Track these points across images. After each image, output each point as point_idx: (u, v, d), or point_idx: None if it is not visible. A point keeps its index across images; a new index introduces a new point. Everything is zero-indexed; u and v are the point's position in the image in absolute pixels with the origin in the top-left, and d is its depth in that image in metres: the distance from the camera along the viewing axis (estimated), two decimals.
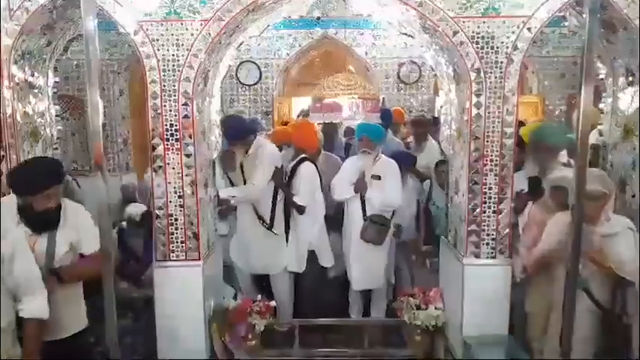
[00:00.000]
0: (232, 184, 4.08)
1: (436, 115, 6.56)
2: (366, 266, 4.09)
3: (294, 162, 4.18)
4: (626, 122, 3.41)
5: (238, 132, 3.92)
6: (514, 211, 3.29)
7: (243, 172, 3.96)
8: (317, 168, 4.21)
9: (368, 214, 4.03)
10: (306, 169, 4.11)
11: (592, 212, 2.67)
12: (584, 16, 2.60)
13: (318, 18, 6.87)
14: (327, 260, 4.25)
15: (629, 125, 3.38)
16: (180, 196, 3.24)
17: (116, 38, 6.26)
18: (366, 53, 7.31)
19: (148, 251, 4.85)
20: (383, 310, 4.29)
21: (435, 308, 3.50)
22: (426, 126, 5.20)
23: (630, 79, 3.34)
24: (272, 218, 4.05)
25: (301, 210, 4.08)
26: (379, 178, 4.02)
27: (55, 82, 3.62)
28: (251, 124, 4.62)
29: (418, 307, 3.52)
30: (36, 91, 3.39)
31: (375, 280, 4.13)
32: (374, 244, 4.00)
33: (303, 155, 4.20)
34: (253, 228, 4.05)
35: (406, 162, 4.39)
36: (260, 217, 4.03)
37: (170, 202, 3.24)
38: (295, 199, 4.04)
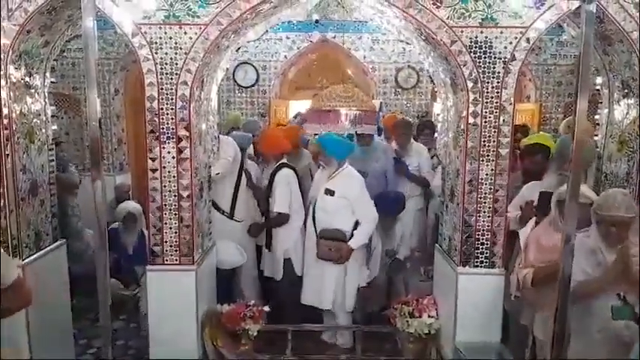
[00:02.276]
0: None
1: (432, 120, 6.57)
2: (314, 282, 3.98)
3: (274, 168, 4.18)
4: (620, 134, 3.43)
5: None
6: (520, 220, 3.24)
7: None
8: (297, 174, 4.19)
9: (318, 229, 3.89)
10: (281, 174, 4.09)
11: (622, 235, 2.45)
12: (580, 27, 2.63)
13: (317, 21, 6.87)
14: (300, 269, 4.15)
15: (623, 137, 3.41)
16: (175, 200, 3.23)
17: (112, 37, 6.25)
18: (364, 57, 7.32)
19: (139, 251, 4.86)
20: (347, 338, 4.04)
21: (429, 316, 3.50)
22: (408, 128, 5.04)
23: (625, 91, 3.37)
24: (232, 207, 4.15)
25: (281, 219, 4.05)
26: (332, 193, 3.85)
27: (52, 82, 3.60)
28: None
29: (412, 315, 3.52)
30: (32, 91, 3.37)
31: (324, 300, 3.93)
32: (331, 262, 3.84)
33: (282, 161, 4.19)
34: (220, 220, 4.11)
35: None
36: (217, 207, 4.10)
37: (165, 205, 3.24)
38: (273, 205, 4.06)
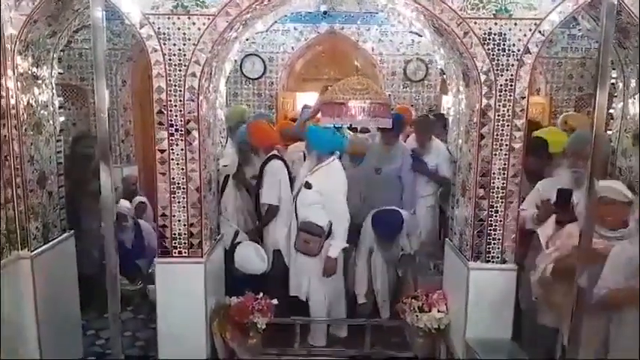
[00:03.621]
0: None
1: (442, 112, 6.50)
2: (297, 273, 3.98)
3: (263, 160, 4.16)
4: (635, 128, 3.37)
5: None
6: (537, 219, 3.16)
7: None
8: (287, 166, 4.18)
9: (299, 221, 3.88)
10: (271, 166, 4.09)
11: None
12: (599, 19, 2.57)
13: (325, 12, 6.78)
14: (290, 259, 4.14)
15: (638, 131, 3.35)
16: (184, 192, 3.21)
17: (119, 28, 6.21)
18: (373, 49, 7.24)
19: (138, 244, 4.83)
20: (320, 337, 4.01)
21: (438, 311, 3.48)
22: (431, 127, 4.94)
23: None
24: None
25: (271, 212, 4.06)
26: (310, 186, 3.83)
27: (59, 73, 3.58)
28: None
29: (421, 310, 3.49)
30: (40, 82, 3.35)
31: (304, 291, 3.93)
32: (307, 255, 3.84)
33: (273, 153, 4.18)
34: None
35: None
36: None
37: (174, 197, 3.21)
38: (261, 197, 4.06)
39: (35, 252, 3.25)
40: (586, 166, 2.81)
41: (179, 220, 3.24)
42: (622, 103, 3.49)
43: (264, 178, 4.08)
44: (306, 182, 3.85)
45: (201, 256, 3.28)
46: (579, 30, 6.28)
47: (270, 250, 4.12)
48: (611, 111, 3.62)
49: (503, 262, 3.22)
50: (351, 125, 4.68)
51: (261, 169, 4.13)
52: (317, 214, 3.82)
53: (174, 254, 3.27)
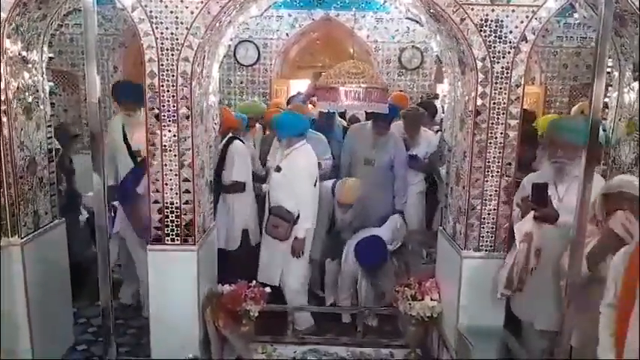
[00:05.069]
0: None
1: (430, 100, 6.48)
2: (266, 259, 4.05)
3: (223, 142, 4.21)
4: (630, 117, 3.36)
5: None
6: (521, 218, 3.00)
7: None
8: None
9: (271, 205, 3.96)
10: (234, 147, 4.17)
11: None
12: (597, 7, 2.54)
13: None
14: (255, 238, 4.28)
15: (633, 120, 3.34)
16: (176, 179, 3.17)
17: (111, 13, 6.13)
18: (368, 37, 7.20)
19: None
20: (306, 321, 4.03)
21: (431, 299, 3.48)
22: (419, 120, 4.92)
23: (637, 74, 3.29)
24: None
25: (237, 187, 4.13)
26: (279, 170, 3.94)
27: (50, 57, 3.51)
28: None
29: (414, 298, 3.49)
30: (30, 66, 3.29)
31: (273, 276, 3.97)
32: (278, 239, 3.91)
33: (231, 135, 4.25)
34: None
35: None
36: None
37: (166, 184, 3.18)
38: (225, 176, 4.12)
39: (25, 239, 3.22)
40: (567, 155, 2.82)
41: (172, 208, 3.21)
42: (617, 93, 3.48)
43: (227, 158, 4.14)
44: (277, 166, 3.97)
45: (194, 244, 3.26)
46: (575, 19, 6.27)
47: (239, 229, 4.21)
48: (606, 100, 3.61)
49: (497, 251, 3.22)
50: (344, 112, 4.64)
51: (222, 151, 4.17)
52: (289, 199, 3.87)
53: (166, 242, 3.24)
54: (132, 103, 4.25)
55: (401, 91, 6.90)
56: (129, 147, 4.23)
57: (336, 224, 4.23)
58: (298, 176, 3.90)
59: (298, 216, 3.88)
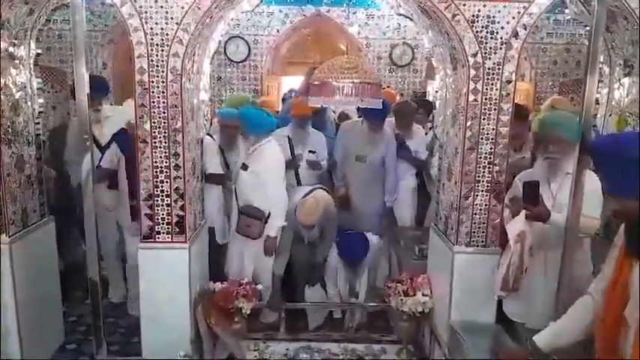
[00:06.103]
0: None
1: (428, 99, 6.48)
2: (236, 256, 4.01)
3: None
4: (620, 113, 3.39)
5: None
6: (511, 217, 3.01)
7: None
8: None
9: (240, 204, 3.89)
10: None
11: None
12: (588, 3, 2.55)
13: None
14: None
15: (623, 116, 3.37)
16: (167, 176, 3.15)
17: (100, 9, 6.06)
18: (359, 33, 7.18)
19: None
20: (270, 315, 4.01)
21: (423, 295, 3.48)
22: (411, 113, 4.92)
23: (627, 69, 3.31)
24: None
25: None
26: (246, 168, 3.87)
27: (38, 53, 3.47)
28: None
29: (406, 294, 3.50)
30: (17, 62, 3.24)
31: (244, 275, 3.88)
32: (251, 238, 3.84)
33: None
34: None
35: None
36: None
37: (157, 181, 3.15)
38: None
39: (13, 237, 3.18)
40: (560, 150, 2.83)
41: (163, 205, 3.18)
42: (607, 88, 3.50)
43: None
44: (243, 164, 3.89)
45: (186, 241, 3.23)
46: (565, 15, 6.30)
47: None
48: (597, 96, 3.62)
49: (488, 246, 3.23)
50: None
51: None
52: (256, 196, 3.82)
53: (157, 239, 3.22)
54: (97, 98, 4.03)
55: (388, 87, 6.90)
56: (100, 147, 4.04)
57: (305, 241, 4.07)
58: (267, 173, 3.81)
59: (269, 214, 3.83)
